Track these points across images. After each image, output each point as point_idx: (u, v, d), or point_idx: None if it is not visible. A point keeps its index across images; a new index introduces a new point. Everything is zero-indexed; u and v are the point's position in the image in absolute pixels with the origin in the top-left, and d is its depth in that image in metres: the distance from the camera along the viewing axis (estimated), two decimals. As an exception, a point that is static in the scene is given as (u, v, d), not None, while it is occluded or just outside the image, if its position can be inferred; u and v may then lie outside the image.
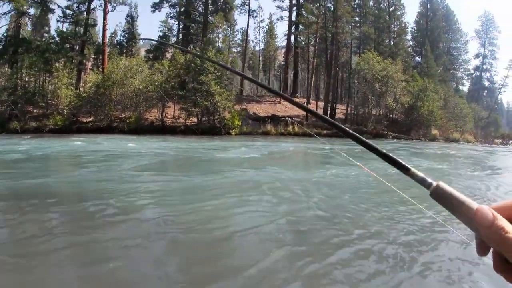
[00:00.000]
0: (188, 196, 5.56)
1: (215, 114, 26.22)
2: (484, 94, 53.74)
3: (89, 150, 11.88)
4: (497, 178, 9.75)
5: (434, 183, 0.48)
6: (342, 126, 0.64)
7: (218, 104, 25.41)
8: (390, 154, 0.54)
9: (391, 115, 34.15)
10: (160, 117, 26.13)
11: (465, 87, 54.93)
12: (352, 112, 34.14)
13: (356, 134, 0.60)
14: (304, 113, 33.46)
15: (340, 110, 34.95)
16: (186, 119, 26.14)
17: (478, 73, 53.09)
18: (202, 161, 10.36)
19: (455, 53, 50.93)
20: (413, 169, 0.51)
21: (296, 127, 29.89)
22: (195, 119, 26.48)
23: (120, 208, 4.64)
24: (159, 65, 27.68)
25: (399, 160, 0.54)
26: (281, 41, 43.81)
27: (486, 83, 54.05)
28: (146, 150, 12.42)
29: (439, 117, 34.47)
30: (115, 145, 13.95)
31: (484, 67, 53.48)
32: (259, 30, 45.43)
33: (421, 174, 0.50)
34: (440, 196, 0.46)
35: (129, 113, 25.94)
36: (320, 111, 34.23)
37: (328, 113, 33.32)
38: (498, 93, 55.21)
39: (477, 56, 53.71)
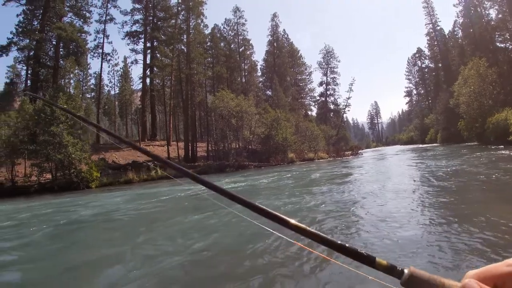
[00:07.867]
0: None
1: (70, 168, 23.86)
2: (331, 115, 63.68)
3: None
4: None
5: (406, 270, 0.41)
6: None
7: (73, 156, 23.37)
8: (343, 244, 0.47)
9: (250, 146, 36.73)
10: (10, 177, 22.50)
11: (314, 112, 64.30)
12: (213, 148, 35.41)
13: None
14: (167, 155, 33.08)
15: (201, 147, 35.81)
16: (39, 177, 23.04)
17: (323, 99, 62.93)
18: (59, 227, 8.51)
19: (301, 84, 59.35)
20: (378, 259, 0.44)
21: (159, 171, 29.19)
22: (49, 176, 23.63)
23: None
24: (6, 117, 24.07)
25: (360, 251, 0.46)
26: (136, 85, 43.13)
27: (332, 106, 64.39)
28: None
29: (293, 142, 38.86)
30: None
31: (328, 92, 63.88)
32: (113, 74, 43.69)
33: (387, 263, 0.43)
34: (415, 284, 0.40)
35: (-25, 176, 21.31)
36: (181, 152, 34.50)
37: (190, 151, 33.71)
38: (343, 112, 66.35)
39: (321, 84, 63.93)
